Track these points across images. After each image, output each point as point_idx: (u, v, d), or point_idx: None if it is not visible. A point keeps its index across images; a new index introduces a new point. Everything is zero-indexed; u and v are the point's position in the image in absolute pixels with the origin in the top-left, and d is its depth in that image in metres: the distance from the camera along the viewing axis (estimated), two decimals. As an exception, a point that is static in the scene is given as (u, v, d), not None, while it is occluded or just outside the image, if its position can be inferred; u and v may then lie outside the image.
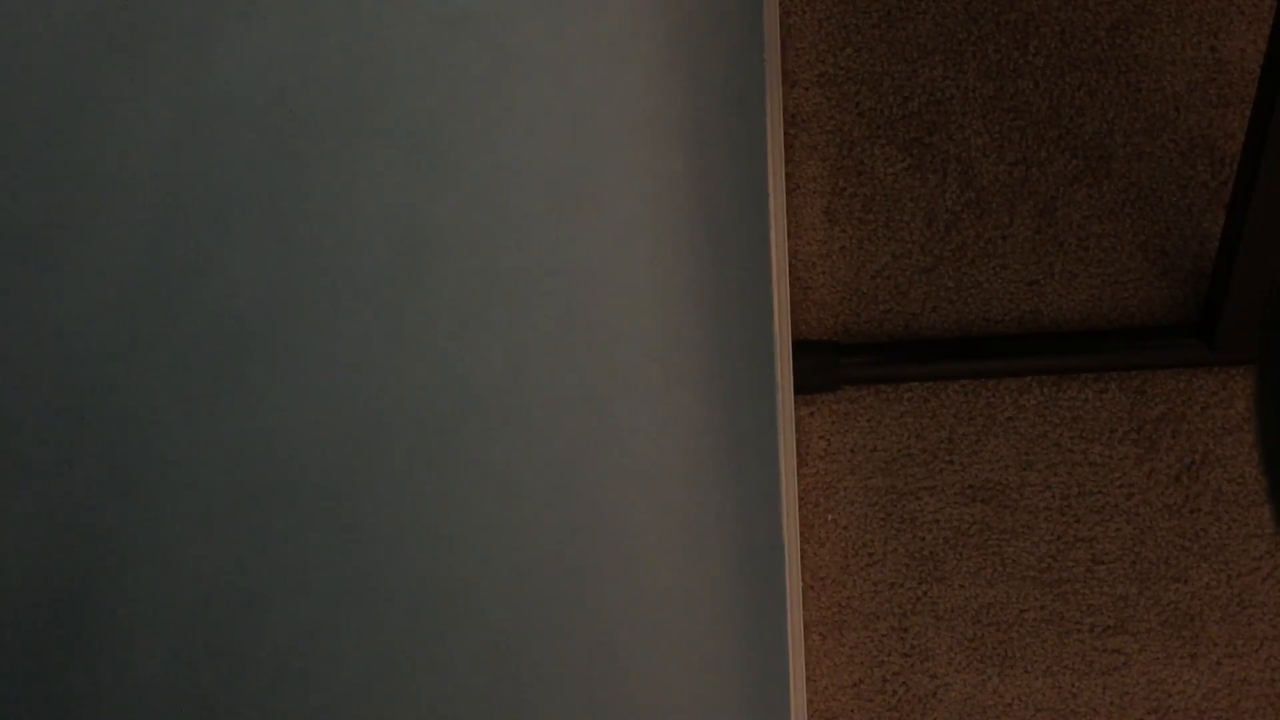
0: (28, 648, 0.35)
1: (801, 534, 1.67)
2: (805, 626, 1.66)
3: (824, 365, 1.65)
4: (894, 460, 1.68)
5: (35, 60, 0.32)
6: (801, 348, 1.66)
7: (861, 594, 1.66)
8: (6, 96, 0.32)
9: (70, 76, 0.33)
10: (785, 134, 1.75)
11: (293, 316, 0.41)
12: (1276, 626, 1.63)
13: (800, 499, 1.68)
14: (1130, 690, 1.63)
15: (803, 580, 1.66)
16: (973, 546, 1.66)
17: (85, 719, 0.37)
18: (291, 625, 0.43)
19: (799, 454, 1.68)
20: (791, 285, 1.72)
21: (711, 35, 1.06)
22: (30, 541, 0.35)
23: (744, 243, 1.25)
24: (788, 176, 1.74)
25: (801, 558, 1.67)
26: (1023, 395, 1.68)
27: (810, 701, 1.65)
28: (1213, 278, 1.62)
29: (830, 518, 1.67)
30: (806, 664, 1.65)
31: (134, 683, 0.38)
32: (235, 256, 0.38)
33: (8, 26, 0.31)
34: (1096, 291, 1.70)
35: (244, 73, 0.37)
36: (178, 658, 0.39)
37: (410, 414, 0.48)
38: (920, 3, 1.77)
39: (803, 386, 1.67)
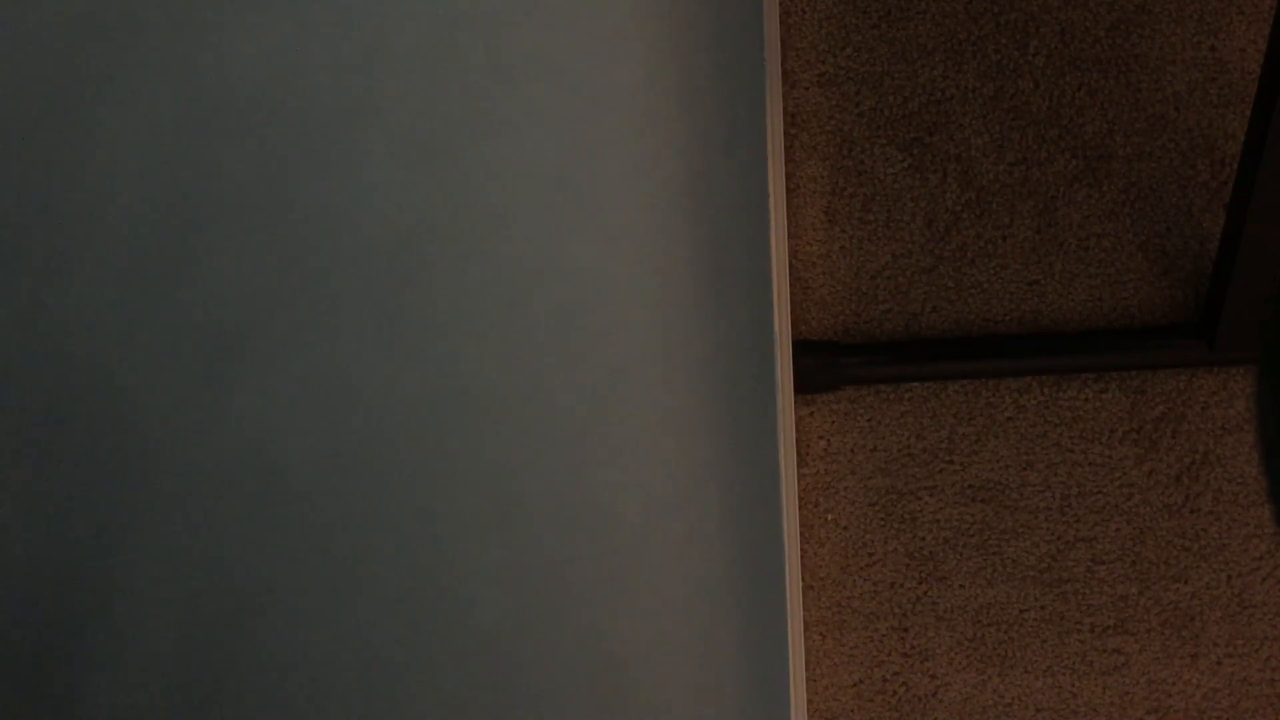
0: (26, 648, 0.35)
1: (801, 534, 1.67)
2: (805, 626, 1.66)
3: (824, 365, 1.65)
4: (894, 460, 1.68)
5: (29, 57, 0.32)
6: (801, 348, 1.66)
7: (861, 594, 1.66)
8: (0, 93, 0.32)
9: (64, 73, 0.33)
10: (785, 134, 1.75)
11: (289, 315, 0.41)
12: (1276, 626, 1.63)
13: (800, 499, 1.68)
14: (1130, 690, 1.63)
15: (803, 580, 1.66)
16: (973, 546, 1.66)
17: (85, 719, 0.37)
18: (289, 626, 0.43)
19: (799, 454, 1.68)
20: (791, 285, 1.72)
21: (711, 35, 1.07)
22: (26, 541, 0.35)
23: (744, 243, 1.25)
24: (788, 176, 1.74)
25: (801, 558, 1.67)
26: (1023, 395, 1.68)
27: (810, 701, 1.65)
28: (1213, 278, 1.62)
29: (830, 518, 1.67)
30: (806, 664, 1.65)
31: (132, 682, 0.38)
32: (231, 254, 0.38)
33: (2, 24, 0.31)
34: (1096, 291, 1.70)
35: (240, 70, 0.37)
36: (176, 657, 0.39)
37: (407, 413, 0.48)
38: (920, 3, 1.77)
39: (803, 386, 1.67)
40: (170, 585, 0.38)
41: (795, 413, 1.68)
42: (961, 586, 1.65)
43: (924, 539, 1.66)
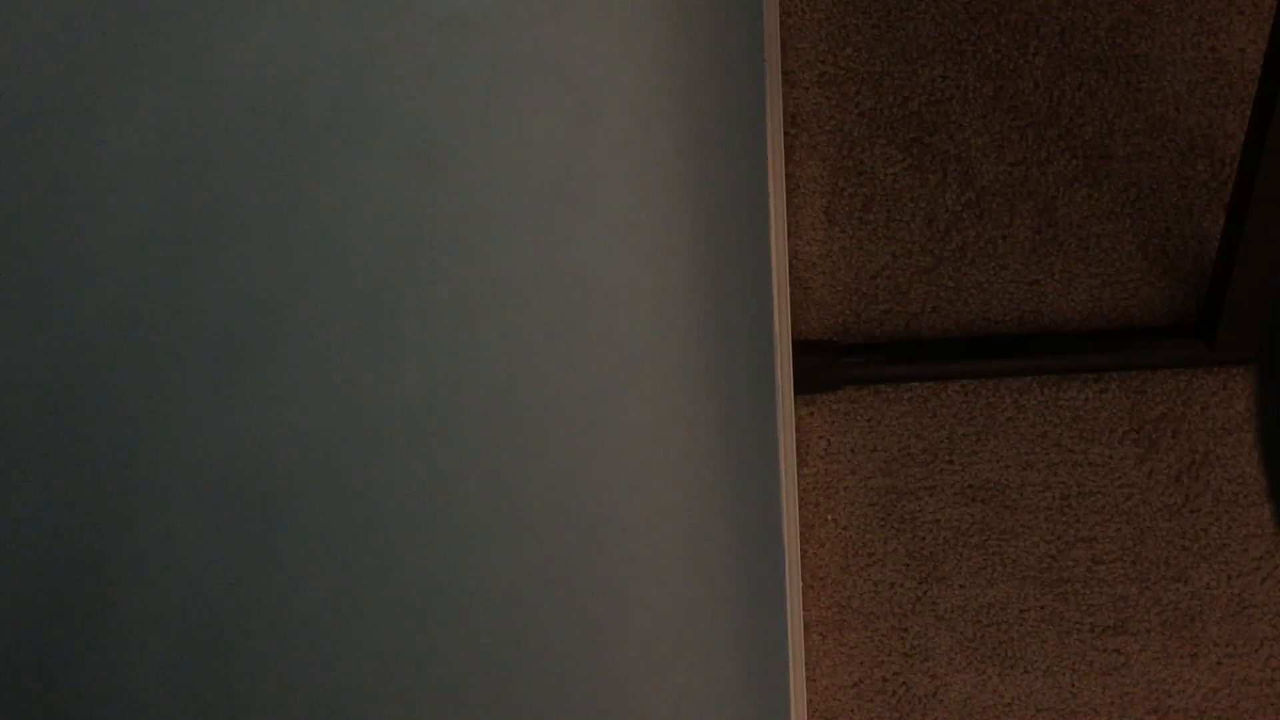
0: (28, 648, 0.35)
1: (801, 534, 1.67)
2: (805, 626, 1.66)
3: (824, 365, 1.65)
4: (894, 460, 1.68)
5: (32, 60, 0.32)
6: (801, 348, 1.66)
7: (861, 594, 1.66)
8: (3, 95, 0.32)
9: (66, 76, 0.33)
10: (785, 134, 1.75)
11: (290, 316, 0.41)
12: (1276, 626, 1.63)
13: (800, 499, 1.68)
14: (1130, 690, 1.63)
15: (803, 580, 1.66)
16: (973, 546, 1.66)
17: (85, 719, 0.37)
18: (290, 627, 0.43)
19: (799, 454, 1.68)
20: (791, 285, 1.72)
21: (711, 35, 1.07)
22: (30, 541, 0.35)
23: (744, 243, 1.25)
24: (788, 176, 1.74)
25: (801, 558, 1.67)
26: (1023, 395, 1.68)
27: (810, 701, 1.65)
28: (1213, 278, 1.62)
29: (830, 518, 1.67)
30: (806, 664, 1.65)
31: (134, 682, 0.38)
32: (233, 256, 0.38)
33: (4, 25, 0.31)
34: (1096, 291, 1.70)
35: (241, 72, 0.37)
36: (177, 657, 0.39)
37: (408, 414, 0.48)
38: (920, 3, 1.77)
39: (803, 386, 1.67)
40: (171, 586, 0.38)
41: (795, 413, 1.68)
42: (961, 586, 1.65)
43: (924, 539, 1.66)
